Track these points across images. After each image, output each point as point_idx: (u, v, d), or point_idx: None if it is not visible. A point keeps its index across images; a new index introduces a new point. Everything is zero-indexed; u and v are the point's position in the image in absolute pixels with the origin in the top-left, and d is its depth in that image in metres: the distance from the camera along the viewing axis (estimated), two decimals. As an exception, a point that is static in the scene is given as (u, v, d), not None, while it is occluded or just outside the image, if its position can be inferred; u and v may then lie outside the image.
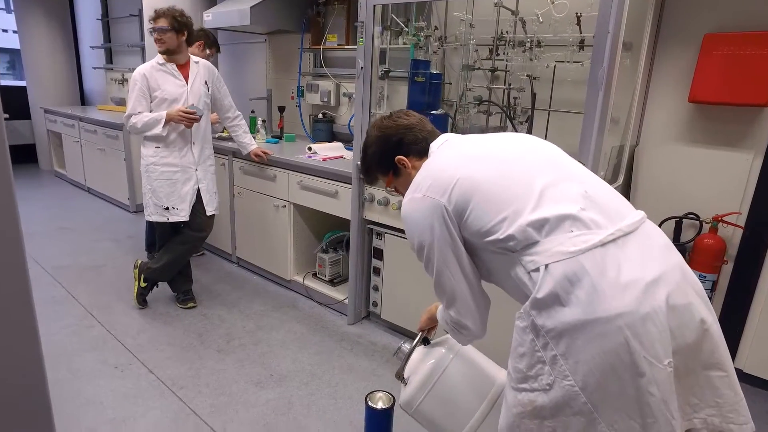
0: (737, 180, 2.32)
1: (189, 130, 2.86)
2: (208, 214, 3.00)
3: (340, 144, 3.45)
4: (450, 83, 3.03)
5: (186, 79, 2.83)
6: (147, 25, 2.77)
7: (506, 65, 2.68)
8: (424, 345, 1.64)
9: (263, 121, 3.87)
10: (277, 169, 3.19)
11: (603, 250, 1.03)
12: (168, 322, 2.90)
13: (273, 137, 3.83)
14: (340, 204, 2.86)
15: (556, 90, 2.60)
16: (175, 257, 2.99)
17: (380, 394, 1.80)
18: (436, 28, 2.98)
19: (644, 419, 0.99)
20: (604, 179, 1.36)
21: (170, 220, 2.92)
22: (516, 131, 2.63)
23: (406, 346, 1.64)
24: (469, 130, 2.82)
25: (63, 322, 2.85)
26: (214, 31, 3.66)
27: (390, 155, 1.36)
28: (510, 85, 2.66)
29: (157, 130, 2.76)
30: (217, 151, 3.49)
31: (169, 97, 2.78)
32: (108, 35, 6.21)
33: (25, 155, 6.69)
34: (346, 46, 3.63)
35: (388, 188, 1.45)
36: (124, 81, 5.88)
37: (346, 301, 2.99)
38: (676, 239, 2.48)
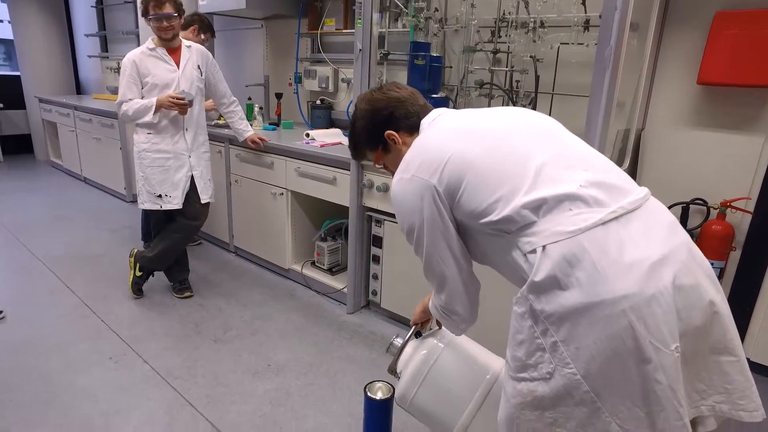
0: (747, 164, 2.26)
1: (182, 116, 2.79)
2: (202, 202, 2.94)
3: (338, 130, 3.38)
4: (450, 67, 2.95)
5: (177, 64, 2.75)
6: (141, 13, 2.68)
7: (508, 47, 2.61)
8: (417, 338, 1.60)
9: (260, 108, 3.80)
10: (275, 156, 3.13)
11: (604, 228, 0.97)
12: (164, 312, 2.85)
13: (270, 124, 3.75)
14: (339, 191, 2.80)
15: (560, 73, 2.53)
16: (170, 246, 2.93)
17: (379, 384, 1.75)
18: (437, 9, 2.90)
19: (650, 407, 0.93)
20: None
21: (163, 208, 2.86)
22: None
23: (399, 341, 1.60)
24: (471, 114, 2.74)
25: (57, 313, 2.80)
26: (209, 17, 3.57)
27: (379, 130, 1.29)
28: (512, 67, 2.59)
29: (148, 117, 2.69)
30: (214, 138, 3.43)
31: (159, 82, 2.71)
32: (102, 23, 6.11)
33: (20, 145, 6.63)
34: (344, 30, 3.54)
35: (376, 165, 1.38)
36: (119, 69, 5.76)
37: (345, 290, 2.94)
38: (683, 225, 2.42)
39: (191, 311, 2.87)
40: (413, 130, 1.28)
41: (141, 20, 3.02)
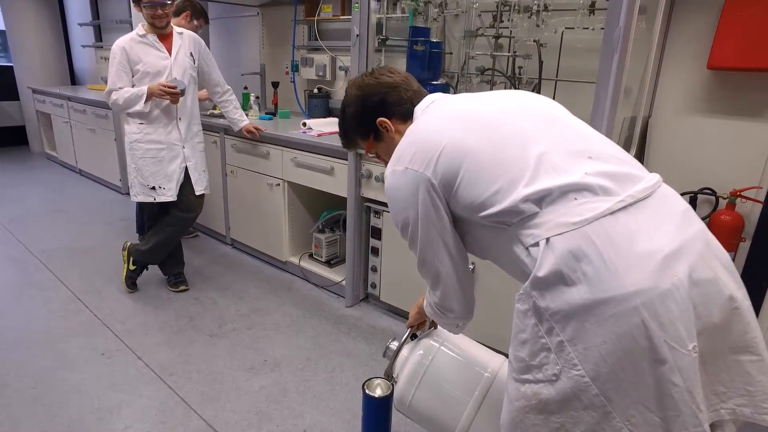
0: (758, 152, 2.18)
1: (174, 106, 2.71)
2: (197, 193, 2.87)
3: (336, 119, 3.28)
4: (451, 53, 2.86)
5: (169, 51, 2.67)
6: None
7: (511, 32, 2.52)
8: (413, 341, 1.56)
9: (257, 97, 3.71)
10: (271, 146, 3.05)
11: (613, 219, 0.90)
12: (158, 306, 2.79)
13: (267, 114, 3.67)
14: (336, 181, 2.72)
15: (564, 58, 2.45)
16: (164, 239, 2.87)
17: (378, 380, 1.69)
18: (436, -7, 2.81)
19: (665, 412, 0.86)
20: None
21: (157, 200, 2.79)
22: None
23: (395, 344, 1.55)
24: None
25: (49, 307, 2.74)
26: (204, 4, 3.48)
27: (371, 117, 1.22)
28: (515, 52, 2.50)
29: (139, 106, 2.61)
30: (208, 128, 3.36)
31: (151, 70, 2.63)
32: (96, 11, 6.00)
33: (15, 137, 6.54)
34: (341, 17, 3.45)
35: (368, 154, 1.31)
36: (113, 59, 5.68)
37: (344, 282, 2.87)
38: (690, 215, 2.35)
39: (186, 305, 2.81)
40: (406, 117, 1.21)
41: (132, 8, 2.92)
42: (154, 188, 2.77)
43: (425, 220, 1.07)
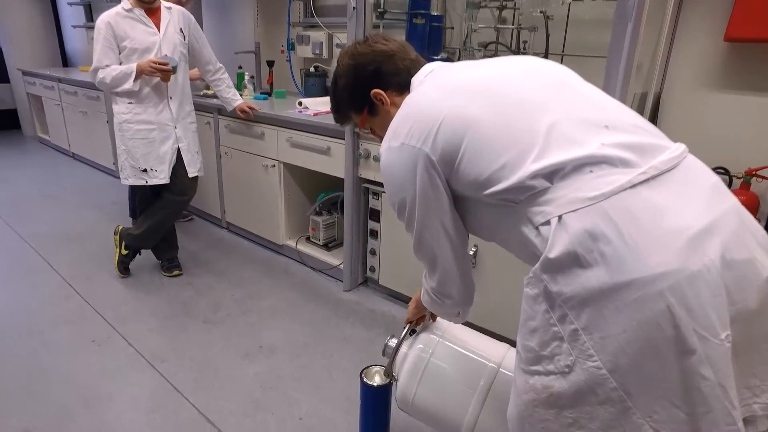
0: (774, 128, 2.08)
1: (165, 84, 2.60)
2: (190, 176, 2.77)
3: (333, 99, 3.18)
4: (452, 27, 2.74)
5: (157, 26, 2.55)
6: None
7: (515, 3, 2.40)
8: (412, 336, 1.49)
9: (251, 76, 3.59)
10: (265, 126, 2.95)
11: (634, 193, 0.81)
12: (151, 292, 2.71)
13: (262, 93, 3.56)
14: (333, 161, 2.62)
15: (572, 31, 2.33)
16: (156, 223, 2.78)
17: (377, 368, 1.61)
18: (437, -36, 2.68)
19: (693, 408, 0.77)
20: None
21: (149, 183, 2.69)
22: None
23: (393, 341, 1.48)
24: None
25: (38, 293, 2.66)
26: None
27: (364, 88, 1.12)
28: (520, 25, 2.39)
29: (128, 84, 2.50)
30: (201, 108, 3.25)
31: (139, 46, 2.51)
32: (86, -11, 5.83)
33: (7, 121, 6.41)
34: (338, -9, 3.32)
35: (362, 130, 1.22)
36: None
37: (342, 266, 2.79)
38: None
39: (180, 291, 2.73)
40: (403, 88, 1.11)
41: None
42: (145, 171, 2.67)
43: (423, 200, 0.99)
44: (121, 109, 2.62)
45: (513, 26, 2.41)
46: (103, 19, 2.48)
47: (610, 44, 1.68)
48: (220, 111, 3.20)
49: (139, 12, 2.50)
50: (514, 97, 0.94)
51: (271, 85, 3.71)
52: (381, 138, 1.09)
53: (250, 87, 3.51)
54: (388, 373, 1.48)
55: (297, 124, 2.76)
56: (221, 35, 4.14)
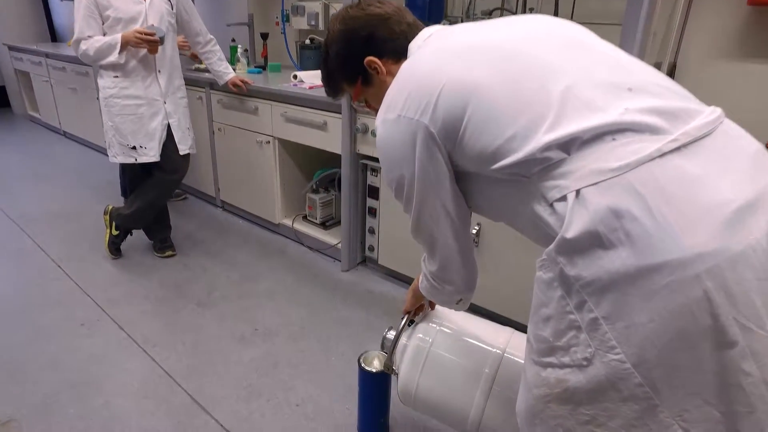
0: (797, 99, 1.96)
1: (152, 57, 2.47)
2: (181, 153, 2.66)
3: (329, 72, 3.05)
4: (454, -5, 2.61)
5: (143, -7, 2.41)
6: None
7: (521, -33, 2.27)
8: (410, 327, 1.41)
9: (245, 50, 3.45)
10: (259, 101, 2.83)
11: (663, 162, 0.70)
12: (143, 274, 2.63)
13: (256, 67, 3.42)
14: (330, 137, 2.51)
15: (581, -3, 2.21)
16: (147, 202, 2.68)
17: (376, 353, 1.54)
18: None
19: (731, 407, 0.69)
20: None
21: (138, 161, 2.58)
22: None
23: (391, 334, 1.41)
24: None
25: (26, 276, 2.58)
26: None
27: (357, 56, 1.02)
28: (526, -10, 2.26)
29: (113, 57, 2.37)
30: (193, 83, 3.12)
31: (123, 16, 2.37)
32: (74, -39, 5.62)
33: (-4, 98, 6.25)
34: (333, -42, 3.16)
35: (356, 102, 1.11)
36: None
37: (340, 245, 2.70)
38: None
39: (173, 272, 2.65)
40: (400, 55, 1.00)
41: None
42: (134, 148, 2.56)
43: (422, 178, 0.89)
44: (106, 83, 2.50)
45: (519, -9, 2.27)
46: (84, -14, 2.33)
47: (626, 10, 1.56)
48: (213, 85, 3.07)
49: (123, -22, 2.36)
50: (523, 59, 0.83)
51: (266, 58, 3.57)
52: (377, 111, 0.98)
53: (243, 61, 3.37)
54: (388, 366, 1.40)
55: (292, 97, 2.63)
56: (212, 6, 3.98)
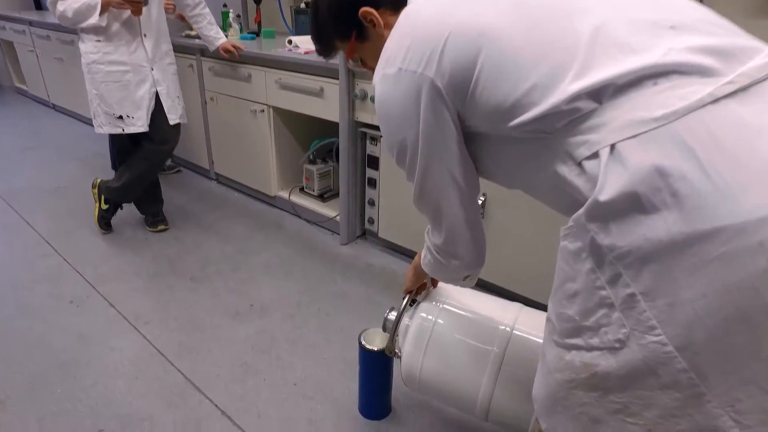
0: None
1: (137, 19, 2.33)
2: (171, 123, 2.53)
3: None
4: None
5: (125, -51, 2.25)
6: None
7: None
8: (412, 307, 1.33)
9: (237, 15, 3.30)
10: (252, 67, 2.69)
11: (717, 109, 0.59)
12: (134, 249, 2.54)
13: (249, 33, 3.27)
14: (327, 104, 2.39)
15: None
16: (137, 175, 2.56)
17: (377, 331, 1.45)
18: None
19: None
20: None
21: (126, 131, 2.46)
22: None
23: (393, 314, 1.32)
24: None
25: (12, 252, 2.49)
26: None
27: (351, 7, 0.90)
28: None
29: (93, 19, 2.22)
30: (183, 50, 2.98)
31: (104, -26, 2.22)
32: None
33: (-19, 71, 6.05)
34: None
35: (350, 61, 0.99)
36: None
37: (338, 218, 2.61)
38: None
39: (165, 247, 2.56)
40: (398, 5, 0.88)
41: None
42: (121, 117, 2.44)
43: (427, 140, 0.79)
44: (88, 48, 2.36)
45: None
46: (60, -59, 2.17)
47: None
48: (204, 52, 2.93)
49: (102, -67, 2.20)
50: (542, 1, 0.72)
51: (259, 24, 3.41)
52: (373, 71, 0.87)
53: (235, 26, 3.21)
54: (390, 350, 1.32)
55: (286, 63, 2.50)
56: (202, -31, 3.78)
